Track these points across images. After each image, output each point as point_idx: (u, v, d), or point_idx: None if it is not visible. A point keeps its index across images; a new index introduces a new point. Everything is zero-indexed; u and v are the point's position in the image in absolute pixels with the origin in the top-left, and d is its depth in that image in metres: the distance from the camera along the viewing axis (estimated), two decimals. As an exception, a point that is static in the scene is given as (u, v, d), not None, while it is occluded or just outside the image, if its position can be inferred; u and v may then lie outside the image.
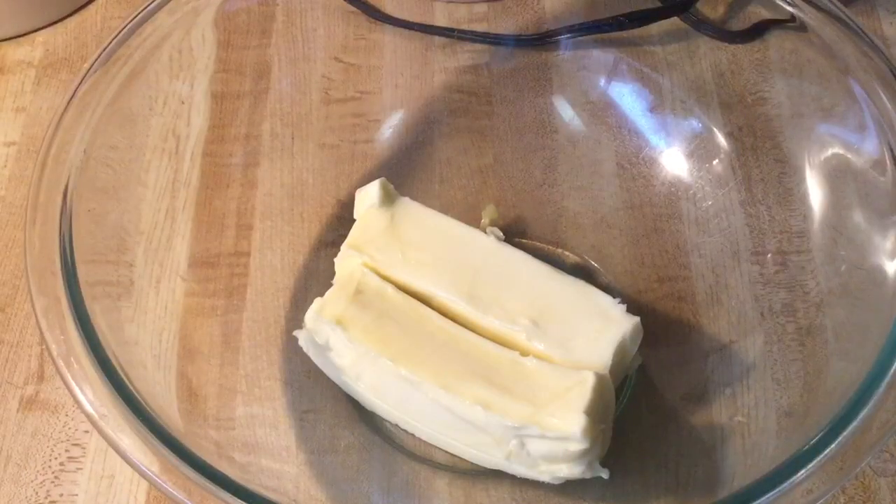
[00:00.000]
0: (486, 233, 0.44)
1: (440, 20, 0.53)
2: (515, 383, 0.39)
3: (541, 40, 0.52)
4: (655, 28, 0.51)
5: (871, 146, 0.41)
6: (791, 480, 0.33)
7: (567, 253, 0.49)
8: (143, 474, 0.34)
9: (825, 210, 0.44)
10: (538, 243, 0.49)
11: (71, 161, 0.39)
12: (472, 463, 0.41)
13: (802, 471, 0.33)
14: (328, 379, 0.43)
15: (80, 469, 0.44)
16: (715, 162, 0.48)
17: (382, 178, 0.45)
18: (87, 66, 0.42)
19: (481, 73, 0.53)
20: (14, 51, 0.58)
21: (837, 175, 0.44)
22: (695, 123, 0.49)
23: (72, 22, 0.59)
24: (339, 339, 0.41)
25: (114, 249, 0.42)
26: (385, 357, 0.40)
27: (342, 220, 0.47)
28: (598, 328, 0.41)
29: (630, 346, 0.41)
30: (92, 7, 0.59)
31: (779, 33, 0.47)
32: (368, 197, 0.44)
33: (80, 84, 0.41)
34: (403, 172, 0.50)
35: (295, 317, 0.45)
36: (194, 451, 0.34)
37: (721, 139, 0.48)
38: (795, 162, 0.46)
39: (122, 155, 0.43)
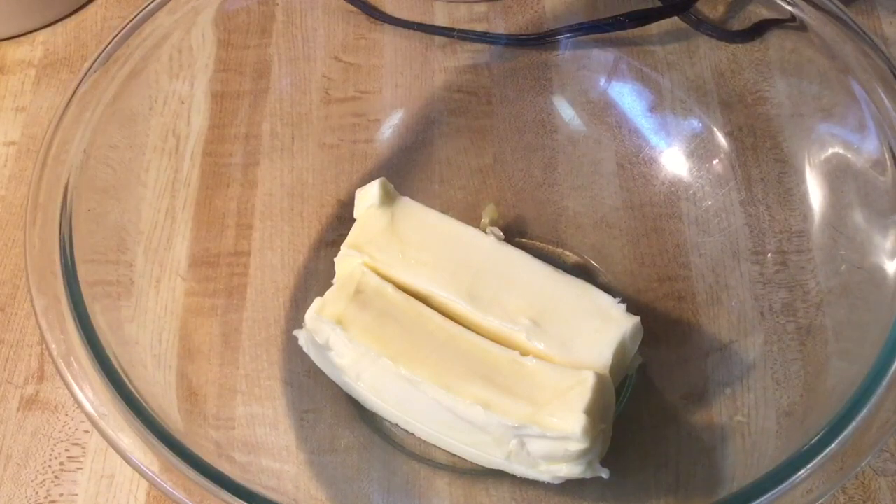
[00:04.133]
0: (486, 232, 0.44)
1: (440, 20, 0.53)
2: (515, 383, 0.39)
3: (541, 40, 0.52)
4: (655, 28, 0.51)
5: (871, 146, 0.41)
6: (791, 480, 0.33)
7: (567, 253, 0.49)
8: (143, 474, 0.34)
9: (825, 210, 0.44)
10: (538, 243, 0.49)
11: (71, 161, 0.39)
12: (472, 463, 0.41)
13: (802, 471, 0.33)
14: (328, 379, 0.43)
15: (80, 469, 0.44)
16: (715, 162, 0.48)
17: (382, 178, 0.45)
18: (87, 65, 0.42)
19: (481, 73, 0.53)
20: (14, 51, 0.58)
21: (837, 175, 0.44)
22: (695, 123, 0.49)
23: (72, 22, 0.59)
24: (339, 338, 0.41)
25: (114, 249, 0.42)
26: (385, 357, 0.40)
27: (342, 220, 0.47)
28: (598, 328, 0.41)
29: (630, 346, 0.41)
30: (92, 7, 0.59)
31: (779, 33, 0.47)
32: (368, 196, 0.44)
33: (80, 84, 0.41)
34: (403, 172, 0.50)
35: (295, 317, 0.45)
36: (194, 451, 0.34)
37: (721, 139, 0.48)
38: (795, 162, 0.46)
39: (122, 154, 0.43)
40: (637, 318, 0.41)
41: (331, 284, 0.44)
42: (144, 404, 0.35)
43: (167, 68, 0.45)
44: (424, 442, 0.42)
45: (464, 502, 0.42)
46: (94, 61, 0.42)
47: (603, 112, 0.51)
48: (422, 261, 0.43)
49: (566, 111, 0.52)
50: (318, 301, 0.42)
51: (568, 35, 0.51)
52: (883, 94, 0.40)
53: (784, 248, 0.45)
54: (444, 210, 0.45)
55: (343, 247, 0.44)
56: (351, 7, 0.53)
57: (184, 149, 0.47)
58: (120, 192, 0.43)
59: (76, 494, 0.43)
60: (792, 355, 0.42)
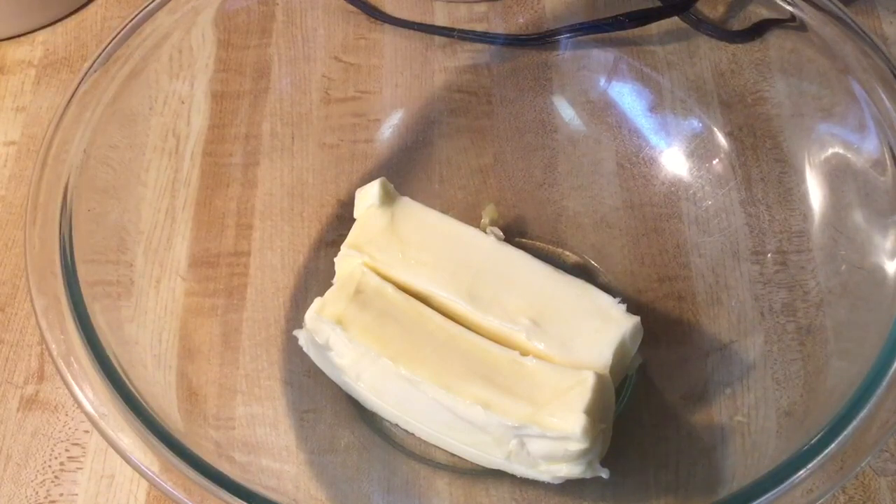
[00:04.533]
0: (486, 232, 0.44)
1: (440, 20, 0.53)
2: (515, 383, 0.39)
3: (541, 40, 0.52)
4: (655, 28, 0.51)
5: (871, 146, 0.41)
6: (791, 480, 0.33)
7: (567, 253, 0.49)
8: (143, 474, 0.34)
9: (825, 210, 0.44)
10: (538, 243, 0.49)
11: (71, 161, 0.39)
12: (472, 462, 0.41)
13: (802, 471, 0.33)
14: (328, 379, 0.43)
15: (80, 469, 0.44)
16: (715, 162, 0.48)
17: (382, 178, 0.45)
18: (87, 65, 0.42)
19: (481, 73, 0.53)
20: (14, 51, 0.58)
21: (837, 175, 0.44)
22: (695, 123, 0.49)
23: (72, 22, 0.59)
24: (339, 338, 0.41)
25: (114, 249, 0.42)
26: (385, 356, 0.40)
27: (342, 220, 0.47)
28: (598, 328, 0.41)
29: (630, 346, 0.41)
30: (92, 7, 0.59)
31: (779, 33, 0.47)
32: (368, 196, 0.44)
33: (80, 84, 0.41)
34: (403, 172, 0.50)
35: (295, 316, 0.45)
36: (194, 451, 0.34)
37: (721, 139, 0.48)
38: (795, 162, 0.46)
39: (122, 154, 0.43)
40: (637, 318, 0.41)
41: (331, 284, 0.44)
42: (144, 404, 0.35)
43: (167, 68, 0.45)
44: (424, 442, 0.42)
45: (464, 502, 0.42)
46: (94, 61, 0.42)
47: (603, 112, 0.51)
48: (422, 261, 0.43)
49: (566, 111, 0.52)
50: (318, 301, 0.42)
51: (568, 35, 0.51)
52: (883, 94, 0.40)
53: (784, 248, 0.45)
54: (444, 210, 0.45)
55: (343, 247, 0.44)
56: (351, 7, 0.53)
57: (184, 149, 0.47)
58: (120, 192, 0.43)
59: (76, 494, 0.43)
60: (792, 355, 0.42)
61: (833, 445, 0.33)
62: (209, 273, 0.46)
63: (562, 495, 0.41)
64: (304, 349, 0.42)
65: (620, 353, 0.40)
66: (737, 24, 0.50)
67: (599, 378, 0.38)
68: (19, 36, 0.58)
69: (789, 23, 0.44)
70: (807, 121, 0.47)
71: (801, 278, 0.44)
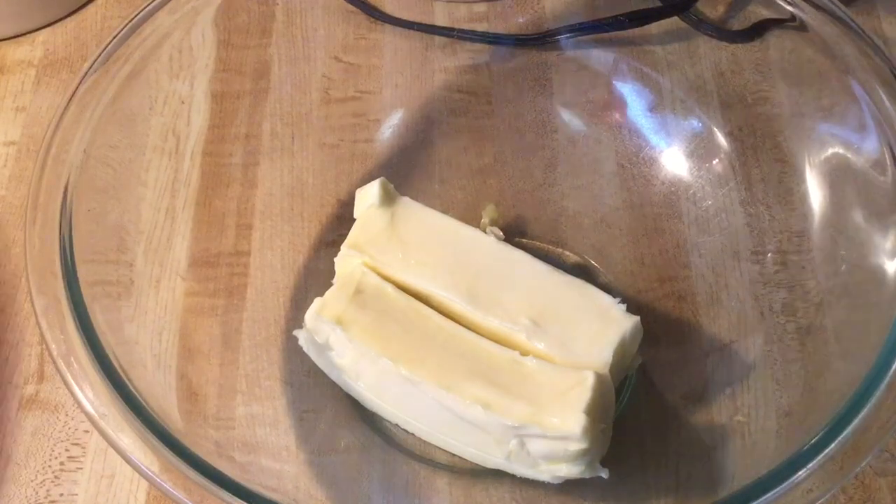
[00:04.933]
0: (486, 232, 0.44)
1: (440, 20, 0.53)
2: (515, 383, 0.39)
3: (541, 40, 0.52)
4: (655, 28, 0.51)
5: (871, 146, 0.41)
6: (791, 480, 0.33)
7: (567, 253, 0.49)
8: (142, 474, 0.34)
9: (825, 210, 0.44)
10: (538, 243, 0.49)
11: (71, 161, 0.39)
12: (472, 462, 0.41)
13: (802, 471, 0.33)
14: (328, 379, 0.43)
15: (80, 469, 0.44)
16: (715, 162, 0.48)
17: (382, 178, 0.45)
18: (87, 65, 0.42)
19: (481, 73, 0.53)
20: (14, 51, 0.58)
21: (837, 175, 0.44)
22: (695, 123, 0.49)
23: (72, 22, 0.59)
24: (339, 338, 0.41)
25: (114, 249, 0.42)
26: (385, 357, 0.40)
27: (342, 220, 0.47)
28: (598, 328, 0.41)
29: (630, 346, 0.41)
30: (92, 7, 0.59)
31: (779, 33, 0.47)
32: (368, 196, 0.44)
33: (80, 84, 0.41)
34: (403, 172, 0.50)
35: (295, 316, 0.45)
36: (194, 451, 0.34)
37: (721, 139, 0.48)
38: (795, 162, 0.46)
39: (122, 154, 0.43)
40: (637, 318, 0.41)
41: (331, 284, 0.44)
42: (144, 404, 0.35)
43: (167, 68, 0.45)
44: (424, 442, 0.42)
45: (464, 502, 0.42)
46: (94, 61, 0.42)
47: (603, 112, 0.51)
48: (422, 261, 0.43)
49: (566, 111, 0.52)
50: (318, 301, 0.42)
51: (568, 35, 0.51)
52: (883, 94, 0.40)
53: (784, 248, 0.45)
54: (444, 210, 0.45)
55: (343, 247, 0.44)
56: (351, 7, 0.53)
57: (184, 149, 0.47)
58: (120, 192, 0.43)
59: (76, 494, 0.43)
60: (792, 355, 0.42)
61: (833, 445, 0.33)
62: (209, 273, 0.46)
63: (562, 495, 0.41)
64: (304, 349, 0.42)
65: (620, 353, 0.40)
66: (737, 24, 0.50)
67: (599, 378, 0.38)
68: (19, 36, 0.58)
69: (789, 23, 0.44)
70: (807, 121, 0.47)
71: (801, 278, 0.44)
